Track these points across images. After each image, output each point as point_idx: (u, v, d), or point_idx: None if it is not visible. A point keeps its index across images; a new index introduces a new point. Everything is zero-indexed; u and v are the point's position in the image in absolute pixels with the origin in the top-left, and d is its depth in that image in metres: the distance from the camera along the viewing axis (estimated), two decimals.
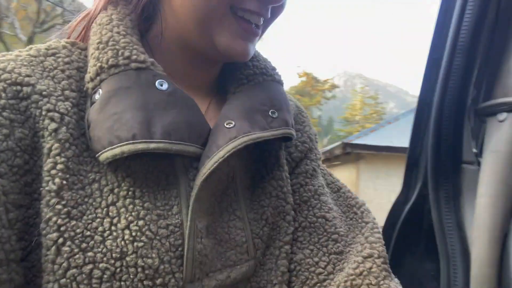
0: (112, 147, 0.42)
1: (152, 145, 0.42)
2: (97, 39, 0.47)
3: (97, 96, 0.45)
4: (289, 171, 0.59)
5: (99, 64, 0.45)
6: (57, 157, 0.42)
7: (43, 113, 0.43)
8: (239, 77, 0.55)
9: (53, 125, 0.43)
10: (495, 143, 0.75)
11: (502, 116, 0.76)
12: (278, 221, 0.54)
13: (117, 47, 0.46)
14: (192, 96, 0.51)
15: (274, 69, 0.58)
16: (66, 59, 0.48)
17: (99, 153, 0.43)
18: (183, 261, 0.44)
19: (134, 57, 0.46)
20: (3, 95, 0.42)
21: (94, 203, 0.43)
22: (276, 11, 0.53)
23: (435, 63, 0.88)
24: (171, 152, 0.44)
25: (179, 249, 0.44)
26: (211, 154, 0.46)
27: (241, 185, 0.52)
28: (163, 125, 0.43)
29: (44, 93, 0.44)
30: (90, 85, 0.46)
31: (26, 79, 0.44)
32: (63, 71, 0.47)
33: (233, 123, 0.48)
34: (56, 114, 0.43)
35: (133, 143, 0.42)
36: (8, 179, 0.41)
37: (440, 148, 0.80)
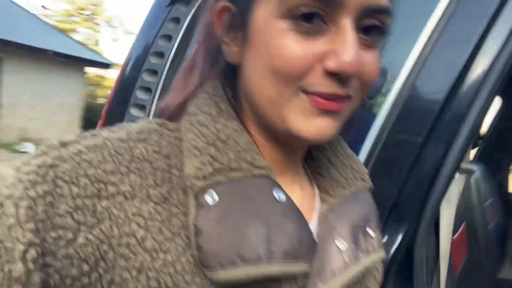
0: (235, 267, 0.38)
1: (276, 270, 0.39)
2: (213, 134, 0.43)
3: (209, 200, 0.40)
4: None
5: (217, 164, 0.41)
6: (149, 273, 0.37)
7: (130, 216, 0.38)
8: (337, 178, 0.53)
9: (141, 232, 0.38)
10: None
11: None
12: None
13: (238, 148, 0.43)
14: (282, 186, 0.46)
15: (367, 172, 0.56)
16: (156, 148, 0.43)
17: (214, 269, 0.38)
18: None
19: (258, 164, 0.43)
20: (83, 193, 0.37)
21: None
22: (365, 77, 0.43)
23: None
24: (289, 273, 0.41)
25: None
26: (326, 280, 0.44)
27: None
28: (282, 244, 0.40)
29: (127, 194, 0.39)
30: (199, 183, 0.40)
31: (112, 178, 0.39)
32: (151, 162, 0.41)
33: (346, 245, 0.47)
34: (141, 220, 0.38)
35: (257, 266, 0.38)
36: None
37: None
